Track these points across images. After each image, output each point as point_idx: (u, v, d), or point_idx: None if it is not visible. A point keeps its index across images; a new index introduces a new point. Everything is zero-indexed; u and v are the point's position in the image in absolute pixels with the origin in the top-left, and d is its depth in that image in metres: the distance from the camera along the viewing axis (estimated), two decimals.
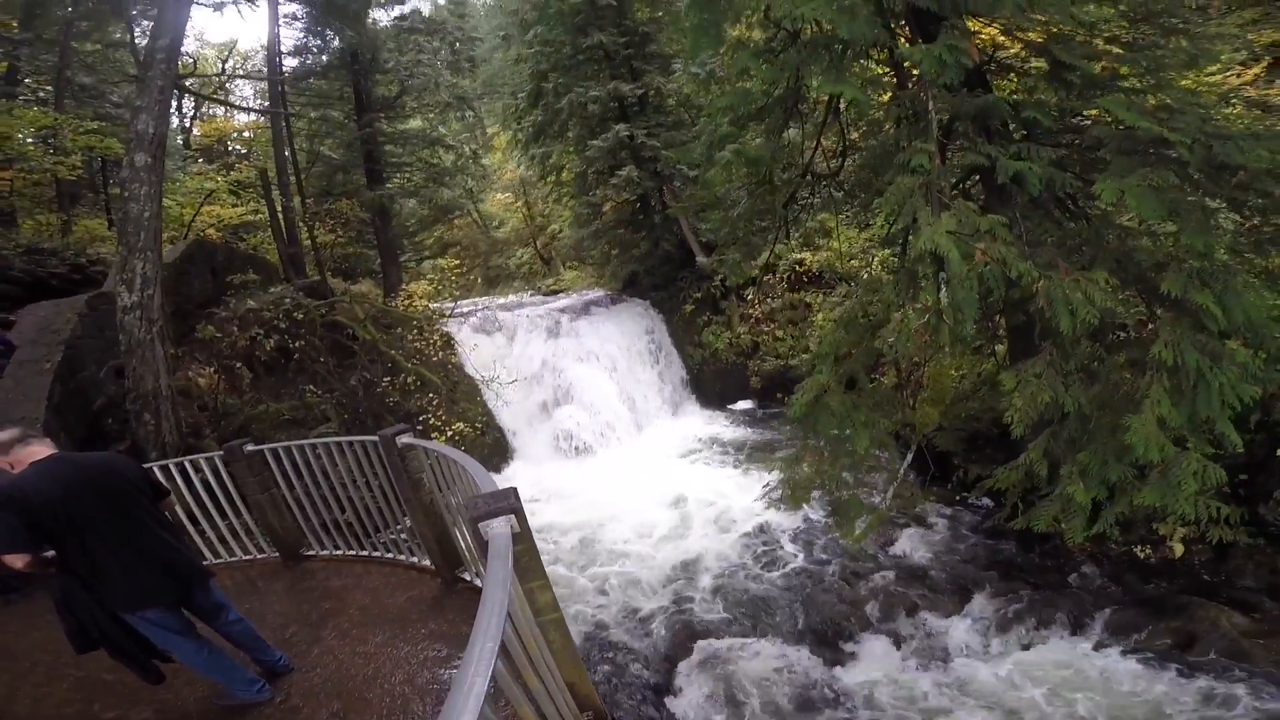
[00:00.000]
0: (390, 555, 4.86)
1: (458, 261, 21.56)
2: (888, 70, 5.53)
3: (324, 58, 14.83)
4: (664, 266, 14.67)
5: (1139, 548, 5.61)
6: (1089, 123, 4.49)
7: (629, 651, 5.82)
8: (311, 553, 5.09)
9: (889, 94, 5.41)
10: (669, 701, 5.24)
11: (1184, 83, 4.69)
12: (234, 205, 15.39)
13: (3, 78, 13.25)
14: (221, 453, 5.00)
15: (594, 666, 5.58)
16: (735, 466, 9.82)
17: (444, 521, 4.26)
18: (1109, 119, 4.08)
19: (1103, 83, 4.44)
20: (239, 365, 9.25)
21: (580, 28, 13.68)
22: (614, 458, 10.98)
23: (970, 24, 4.83)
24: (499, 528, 2.34)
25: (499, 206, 28.00)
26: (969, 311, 3.52)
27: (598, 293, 15.88)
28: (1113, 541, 5.55)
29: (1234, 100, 8.45)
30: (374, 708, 3.14)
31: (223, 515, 5.00)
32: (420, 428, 9.33)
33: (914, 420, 4.45)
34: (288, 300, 10.13)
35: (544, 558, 2.95)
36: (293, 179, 14.25)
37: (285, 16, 14.26)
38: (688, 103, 13.88)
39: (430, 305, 12.70)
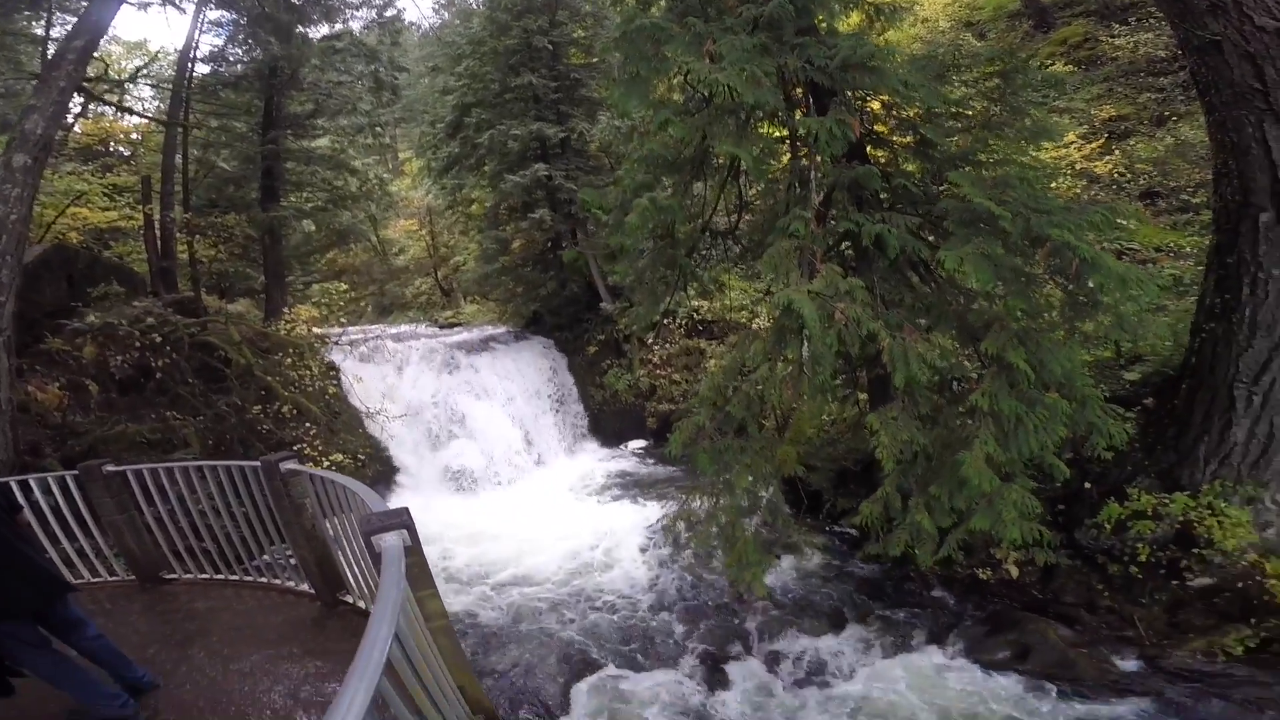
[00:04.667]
0: (264, 579, 4.54)
1: (347, 287, 20.58)
2: (785, 137, 6.12)
3: (238, 68, 14.01)
4: (570, 307, 14.84)
5: (981, 570, 6.21)
6: (942, 190, 5.22)
7: (520, 672, 5.78)
8: (173, 576, 4.74)
9: (786, 158, 6.03)
10: (560, 716, 5.26)
11: (1026, 158, 5.45)
12: (105, 210, 13.83)
13: None
14: (76, 472, 4.58)
15: (482, 672, 5.57)
16: (631, 502, 9.98)
17: (326, 545, 4.11)
18: (957, 191, 4.75)
19: (958, 157, 5.23)
20: (89, 382, 8.34)
21: (512, 67, 13.94)
22: (509, 493, 10.85)
23: (856, 99, 5.47)
24: (392, 540, 2.45)
25: (401, 233, 27.20)
26: (826, 364, 4.03)
27: (499, 329, 15.77)
28: (959, 565, 6.20)
29: (1065, 171, 10.09)
30: None
31: (70, 537, 4.55)
32: (296, 458, 8.71)
33: (778, 460, 4.92)
34: (153, 316, 9.29)
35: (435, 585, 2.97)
36: (178, 188, 13.17)
37: (209, 23, 13.49)
38: (609, 149, 14.34)
39: (314, 331, 12.07)
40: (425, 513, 9.25)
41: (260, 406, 9.48)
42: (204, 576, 4.71)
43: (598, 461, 12.41)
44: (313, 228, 17.00)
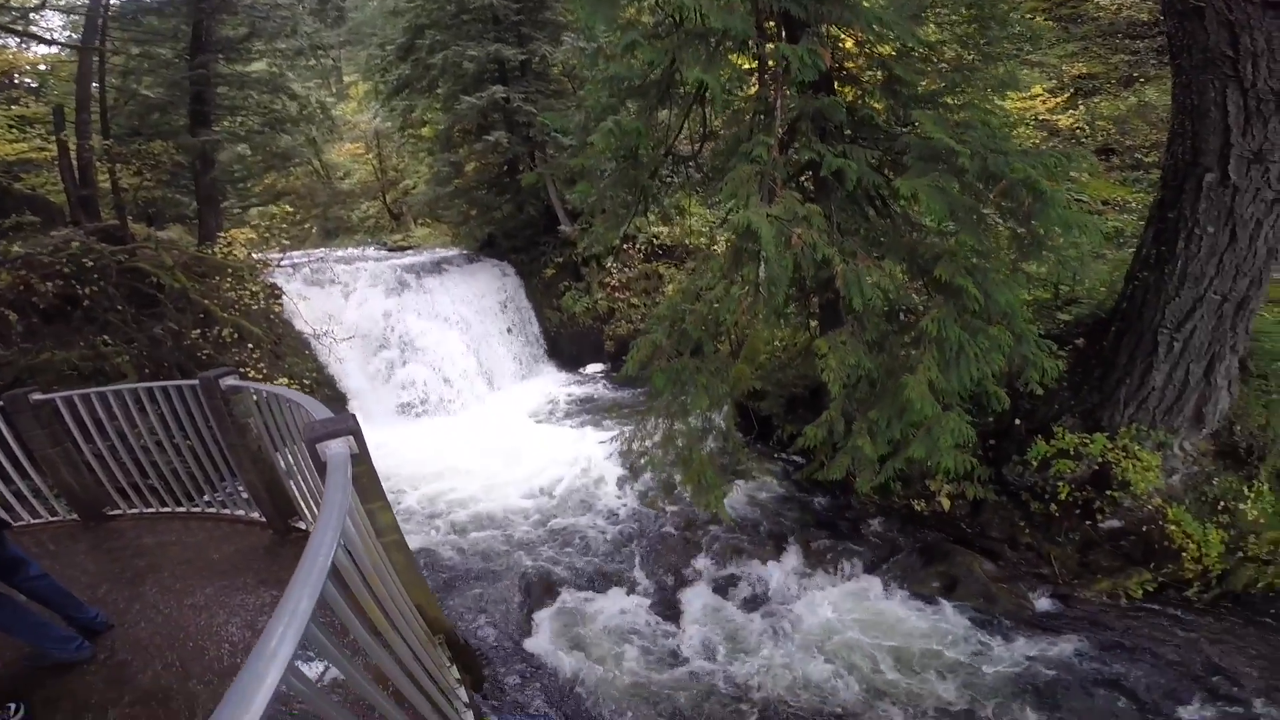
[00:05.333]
0: (213, 510, 4.44)
1: (291, 209, 19.54)
2: (754, 69, 6.00)
3: None
4: (526, 230, 14.64)
5: (916, 501, 6.51)
6: (904, 131, 5.25)
7: (480, 599, 5.92)
8: (117, 512, 4.57)
9: (753, 90, 5.91)
10: (523, 641, 5.45)
11: (993, 104, 5.55)
12: (13, 142, 12.64)
13: None
14: (1, 403, 4.28)
15: (445, 605, 5.57)
16: (589, 426, 10.07)
17: (273, 468, 4.00)
18: (919, 130, 4.82)
19: (924, 98, 5.23)
20: (8, 311, 7.81)
21: None
22: (465, 416, 10.80)
23: (830, 32, 5.39)
24: (337, 448, 2.34)
25: (347, 157, 25.88)
26: (781, 286, 4.12)
27: (452, 251, 15.36)
28: (896, 495, 6.57)
29: (1029, 122, 10.24)
30: (213, 655, 2.98)
31: (5, 479, 4.31)
32: (236, 373, 8.48)
33: (733, 378, 5.02)
34: (75, 244, 8.69)
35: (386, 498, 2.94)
36: (96, 117, 12.13)
37: None
38: (572, 73, 13.86)
39: (254, 255, 11.51)
40: (377, 437, 9.18)
41: (199, 331, 9.11)
42: (150, 511, 4.57)
43: (555, 385, 12.45)
44: (248, 152, 16.01)
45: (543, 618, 5.73)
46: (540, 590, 6.04)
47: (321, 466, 2.19)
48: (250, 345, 9.45)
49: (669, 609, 5.84)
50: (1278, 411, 5.51)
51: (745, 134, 5.26)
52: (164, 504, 4.56)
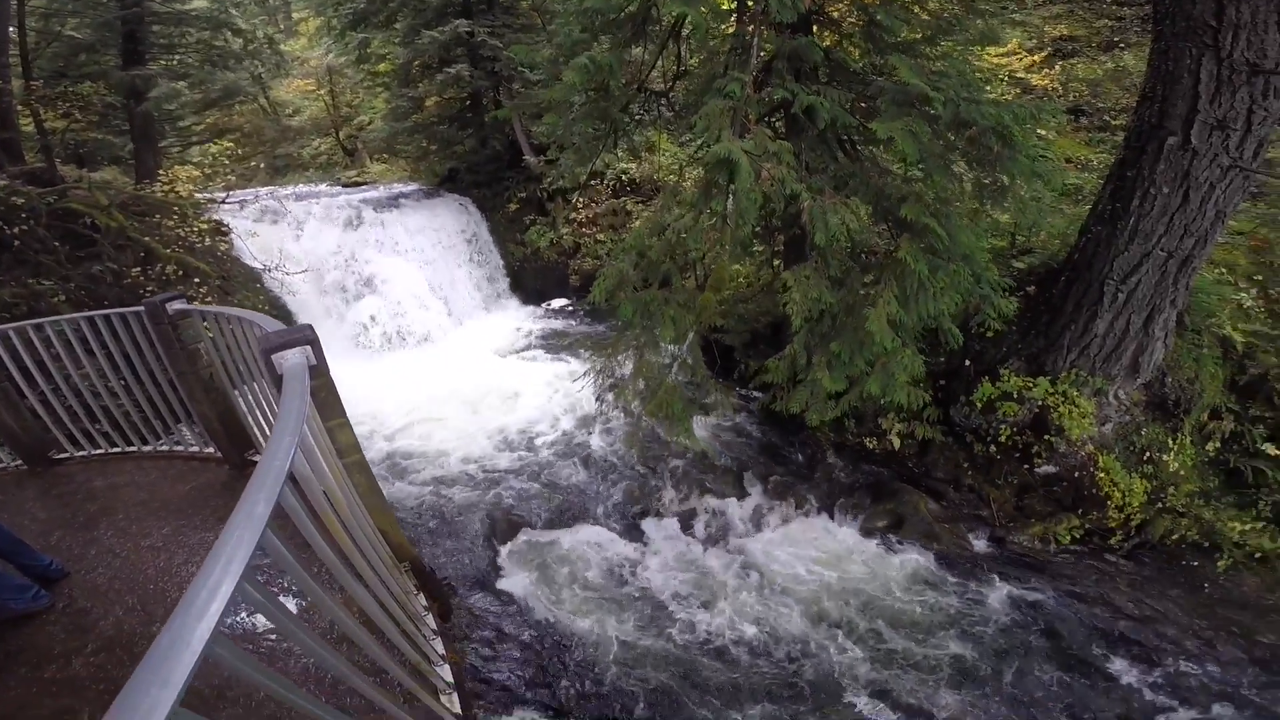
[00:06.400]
0: (165, 448, 4.30)
1: (232, 144, 18.53)
2: (732, 11, 5.89)
3: None
4: (490, 165, 14.31)
5: (869, 439, 6.73)
6: (878, 77, 5.26)
7: (447, 533, 5.97)
8: (64, 455, 4.37)
9: (730, 28, 5.79)
10: (490, 576, 5.55)
11: (970, 56, 5.67)
12: None
13: None
14: None
15: (412, 540, 5.60)
16: (554, 359, 10.02)
17: (227, 397, 3.86)
18: (895, 76, 4.83)
19: (903, 46, 5.23)
20: None
21: None
22: (425, 351, 10.59)
23: None
24: (295, 358, 2.26)
25: (296, 93, 24.58)
26: (749, 218, 4.15)
27: (410, 186, 14.91)
28: (850, 433, 6.81)
29: (1004, 78, 10.30)
30: (174, 597, 2.90)
31: None
32: (183, 298, 8.17)
33: (699, 309, 5.10)
34: None
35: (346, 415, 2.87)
36: (15, 60, 11.16)
37: None
38: (541, 7, 13.32)
39: (196, 194, 10.93)
40: (334, 372, 8.94)
41: (140, 269, 8.66)
42: (99, 452, 4.39)
43: (519, 319, 12.30)
44: (185, 90, 15.04)
45: (509, 552, 5.83)
46: (506, 525, 6.11)
47: (278, 380, 2.11)
48: (197, 280, 9.04)
49: (634, 543, 6.00)
50: (1206, 365, 5.83)
51: (720, 70, 5.18)
52: (114, 445, 4.39)
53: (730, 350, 7.94)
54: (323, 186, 17.45)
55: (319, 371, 2.41)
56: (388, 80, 15.32)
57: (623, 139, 6.35)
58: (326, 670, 2.35)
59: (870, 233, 4.70)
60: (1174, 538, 5.62)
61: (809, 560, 5.73)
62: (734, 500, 6.42)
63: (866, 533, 5.97)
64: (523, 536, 6.02)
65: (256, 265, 10.03)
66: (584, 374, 6.22)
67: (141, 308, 3.72)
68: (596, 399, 5.87)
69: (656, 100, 6.51)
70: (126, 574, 3.15)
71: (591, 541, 5.96)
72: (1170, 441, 5.73)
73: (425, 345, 10.87)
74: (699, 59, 6.19)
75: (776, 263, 7.20)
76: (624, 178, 13.22)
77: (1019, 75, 10.94)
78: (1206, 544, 5.53)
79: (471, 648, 4.86)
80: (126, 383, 4.17)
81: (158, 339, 3.77)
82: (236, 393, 3.73)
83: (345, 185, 17.31)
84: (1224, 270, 6.29)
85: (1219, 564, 5.44)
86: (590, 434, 7.67)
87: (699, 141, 4.83)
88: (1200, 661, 4.69)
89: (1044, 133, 8.68)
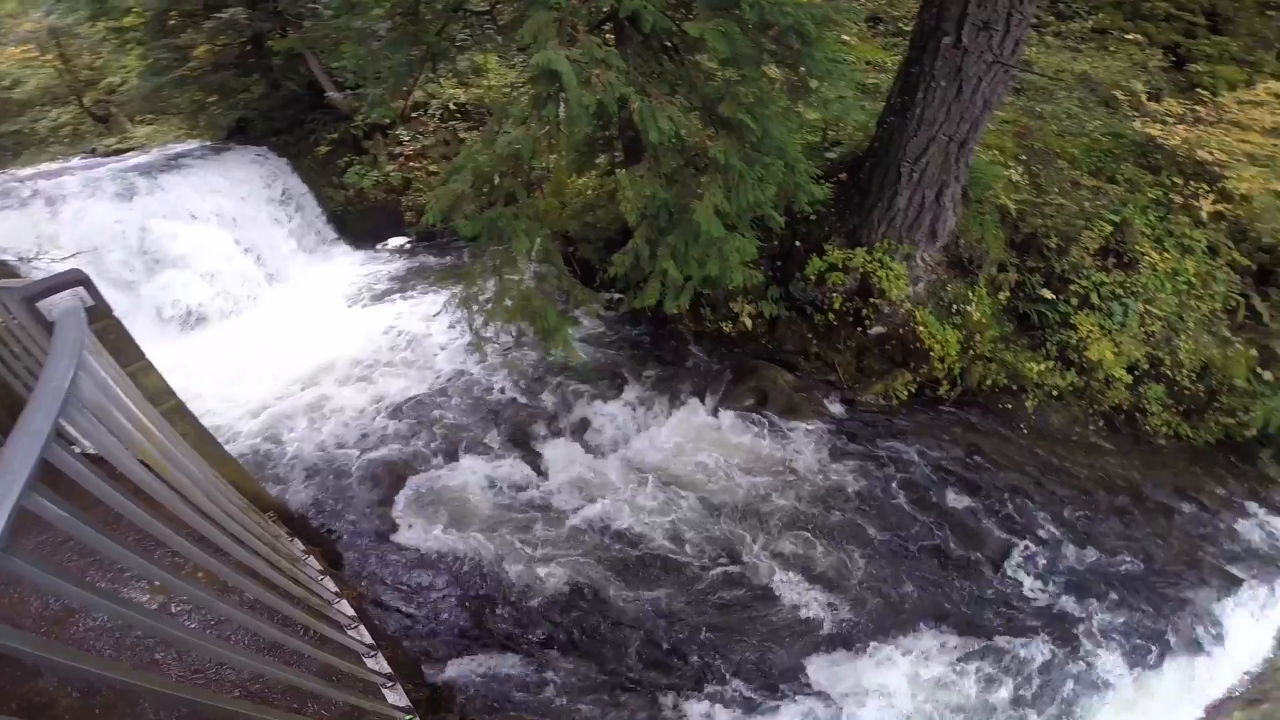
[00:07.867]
0: None
1: None
2: None
3: None
4: (288, 109, 12.90)
5: (725, 324, 7.19)
6: None
7: (326, 499, 5.79)
8: None
9: None
10: (382, 527, 5.47)
11: None
12: None
13: None
14: None
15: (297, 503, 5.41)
16: (404, 298, 9.61)
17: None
18: None
19: None
20: None
21: None
22: (251, 316, 9.70)
23: None
24: (67, 301, 2.03)
25: (12, 63, 20.06)
26: (582, 123, 4.23)
27: (190, 145, 13.28)
28: (707, 320, 7.34)
29: None
30: None
31: None
32: None
33: (542, 214, 5.14)
34: None
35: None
36: None
37: None
38: None
39: None
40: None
41: None
42: None
43: (354, 265, 11.55)
44: None
45: (400, 500, 5.73)
46: (392, 477, 5.96)
47: (50, 329, 1.84)
48: None
49: (525, 463, 6.11)
50: (990, 228, 6.89)
51: None
52: None
53: (590, 265, 8.06)
54: (75, 160, 14.73)
55: (100, 313, 2.18)
56: (139, 35, 12.87)
57: (444, 65, 5.94)
58: (150, 578, 2.20)
59: (701, 134, 4.93)
60: (988, 383, 6.43)
61: (691, 446, 6.15)
62: (616, 404, 6.71)
63: (738, 412, 6.42)
64: (411, 482, 5.89)
65: (9, 260, 8.33)
66: (443, 306, 6.04)
67: None
68: (469, 326, 5.74)
69: (480, 21, 6.16)
70: None
71: (483, 473, 5.95)
72: (970, 294, 6.58)
73: (249, 310, 9.89)
74: None
75: (620, 172, 7.30)
76: (452, 105, 12.44)
77: None
78: (1015, 386, 6.48)
79: (375, 589, 4.84)
80: None
81: None
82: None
83: (105, 155, 14.77)
84: (997, 152, 7.38)
85: (1027, 404, 6.45)
86: (465, 364, 7.50)
87: (528, 56, 4.70)
88: (1028, 495, 5.58)
89: (848, 38, 9.34)
